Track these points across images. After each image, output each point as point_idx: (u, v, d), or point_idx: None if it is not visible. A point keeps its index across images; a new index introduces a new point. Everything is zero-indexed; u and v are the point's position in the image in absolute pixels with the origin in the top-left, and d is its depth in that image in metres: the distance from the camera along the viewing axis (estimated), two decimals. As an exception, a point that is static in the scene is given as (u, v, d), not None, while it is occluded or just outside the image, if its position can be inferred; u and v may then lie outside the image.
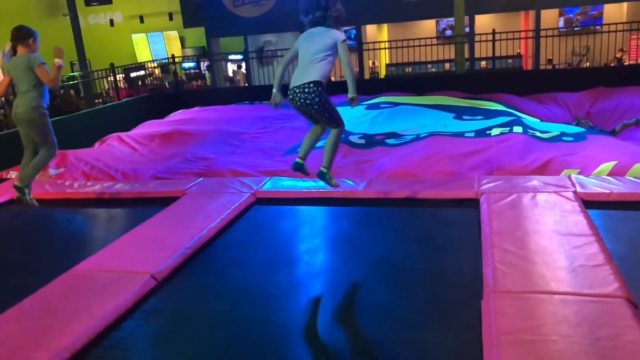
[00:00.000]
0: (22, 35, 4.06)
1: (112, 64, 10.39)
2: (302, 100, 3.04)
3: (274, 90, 3.17)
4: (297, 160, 3.47)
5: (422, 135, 5.90)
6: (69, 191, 4.98)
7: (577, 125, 7.06)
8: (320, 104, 3.05)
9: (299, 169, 3.43)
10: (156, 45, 17.01)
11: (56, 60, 3.98)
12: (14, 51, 4.13)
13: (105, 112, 8.99)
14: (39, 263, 3.60)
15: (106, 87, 11.10)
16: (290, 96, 3.16)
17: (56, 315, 2.66)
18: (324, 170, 3.29)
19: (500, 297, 2.49)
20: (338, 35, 3.05)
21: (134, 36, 17.06)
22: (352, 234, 3.68)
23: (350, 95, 3.12)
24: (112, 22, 16.08)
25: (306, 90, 3.00)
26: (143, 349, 2.54)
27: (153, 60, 14.43)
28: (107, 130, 7.64)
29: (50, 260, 3.61)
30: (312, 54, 3.05)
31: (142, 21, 15.82)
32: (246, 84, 14.47)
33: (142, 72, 13.94)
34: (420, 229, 3.69)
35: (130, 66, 13.23)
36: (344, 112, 3.68)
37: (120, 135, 7.22)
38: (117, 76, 11.07)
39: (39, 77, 4.03)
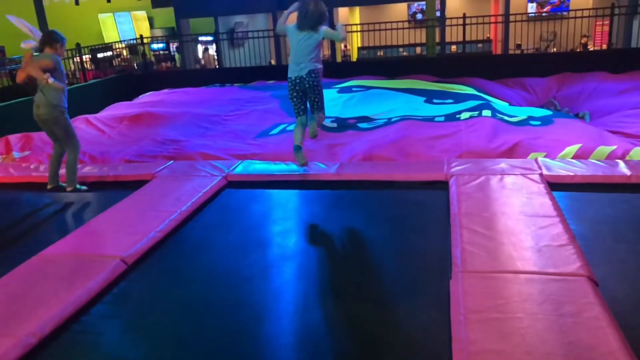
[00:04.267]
0: (52, 40, 4.43)
1: (78, 44, 10.10)
2: (310, 82, 3.97)
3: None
4: (296, 144, 4.29)
5: (393, 119, 5.94)
6: (35, 174, 4.87)
7: (550, 105, 7.27)
8: (320, 85, 4.04)
9: (299, 150, 4.28)
10: (124, 26, 16.56)
11: (47, 77, 4.18)
12: (40, 51, 4.43)
13: (72, 94, 8.61)
14: (4, 248, 3.52)
15: (72, 68, 10.79)
16: (298, 79, 4.00)
17: (23, 301, 2.62)
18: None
19: (468, 277, 2.56)
20: (321, 28, 3.96)
21: (101, 16, 16.57)
22: (324, 217, 3.70)
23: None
24: (77, 1, 15.55)
25: (313, 75, 3.95)
26: (113, 333, 2.52)
27: (121, 41, 14.08)
28: (73, 113, 7.36)
29: (16, 244, 3.54)
30: (309, 50, 3.98)
31: (108, 0, 15.37)
32: (217, 66, 14.26)
33: (109, 53, 13.59)
34: (391, 211, 3.74)
35: (97, 47, 12.88)
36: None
37: (88, 118, 7.06)
38: (84, 57, 10.77)
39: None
